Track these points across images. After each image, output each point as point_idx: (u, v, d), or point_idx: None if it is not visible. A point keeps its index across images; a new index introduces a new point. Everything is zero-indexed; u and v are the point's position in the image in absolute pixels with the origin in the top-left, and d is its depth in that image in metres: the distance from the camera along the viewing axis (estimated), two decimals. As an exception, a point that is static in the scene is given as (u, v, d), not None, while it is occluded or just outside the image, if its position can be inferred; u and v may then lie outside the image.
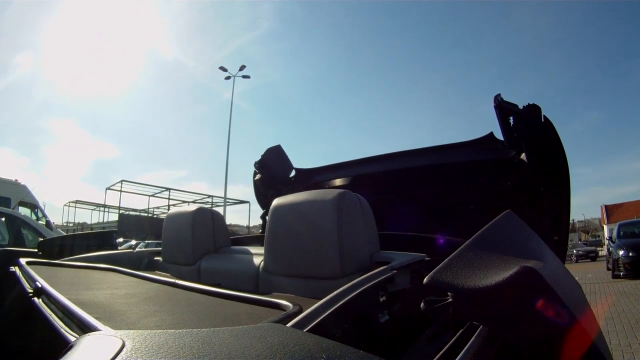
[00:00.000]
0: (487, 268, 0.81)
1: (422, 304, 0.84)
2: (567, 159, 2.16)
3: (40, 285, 1.22)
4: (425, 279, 0.83)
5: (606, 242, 20.84)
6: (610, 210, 41.98)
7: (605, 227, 39.68)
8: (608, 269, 14.31)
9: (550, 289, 0.77)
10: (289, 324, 0.80)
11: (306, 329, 0.80)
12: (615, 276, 12.32)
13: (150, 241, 17.65)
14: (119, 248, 3.23)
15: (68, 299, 1.07)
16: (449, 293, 0.83)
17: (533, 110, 2.09)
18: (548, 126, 2.11)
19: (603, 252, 29.51)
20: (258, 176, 3.08)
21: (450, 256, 0.87)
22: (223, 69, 24.59)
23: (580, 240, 46.04)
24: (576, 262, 27.83)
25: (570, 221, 2.59)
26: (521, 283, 0.74)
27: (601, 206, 44.62)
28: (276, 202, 1.59)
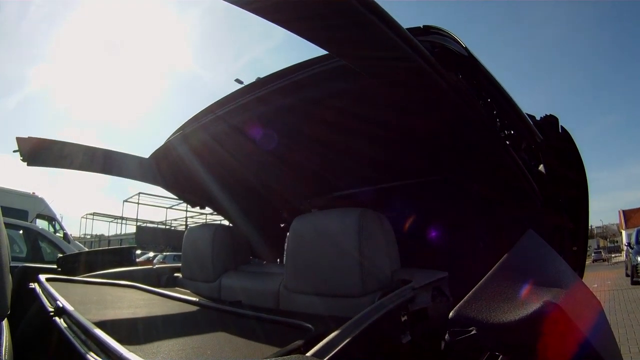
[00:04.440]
0: (511, 300, 0.82)
1: (446, 336, 0.84)
2: (585, 168, 2.13)
3: (61, 305, 1.22)
4: (450, 314, 0.83)
5: (624, 248, 20.41)
6: (628, 216, 41.22)
7: (623, 232, 38.94)
8: (627, 275, 14.00)
9: (573, 324, 0.78)
10: (312, 351, 0.80)
11: (330, 355, 0.80)
12: (634, 282, 12.06)
13: (167, 253, 17.76)
14: (137, 259, 3.25)
15: (90, 319, 1.07)
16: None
17: (551, 121, 2.07)
18: (566, 137, 2.09)
19: (621, 258, 29.05)
20: None
21: (475, 288, 0.87)
22: (239, 81, 24.28)
23: (598, 246, 45.36)
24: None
25: (588, 227, 2.53)
26: (545, 319, 0.74)
27: (619, 211, 43.87)
28: (297, 219, 1.60)
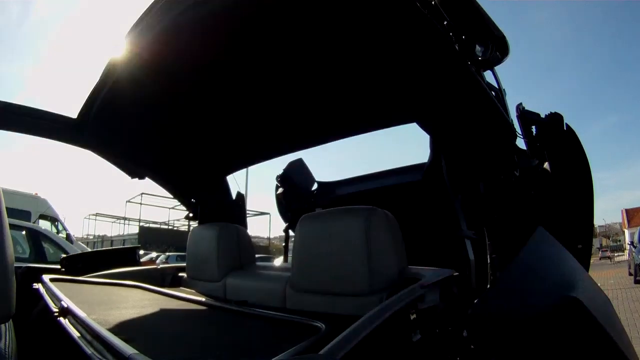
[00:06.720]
0: (529, 297, 0.81)
1: (464, 332, 0.83)
2: (590, 166, 2.13)
3: (66, 305, 1.21)
4: (470, 311, 0.82)
5: (627, 247, 20.36)
6: (631, 215, 41.05)
7: (626, 231, 38.80)
8: (630, 274, 13.97)
9: (593, 318, 0.77)
10: (322, 351, 0.79)
11: (343, 354, 0.79)
12: (637, 282, 12.06)
13: (170, 253, 17.77)
14: (140, 259, 3.23)
15: (95, 319, 1.06)
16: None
17: (555, 119, 2.06)
18: (570, 135, 2.08)
19: (624, 257, 29.00)
20: (280, 190, 3.06)
21: (491, 286, 0.87)
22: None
23: (601, 245, 45.37)
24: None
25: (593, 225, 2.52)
26: (567, 313, 0.73)
27: (622, 210, 43.73)
28: (304, 218, 1.59)
